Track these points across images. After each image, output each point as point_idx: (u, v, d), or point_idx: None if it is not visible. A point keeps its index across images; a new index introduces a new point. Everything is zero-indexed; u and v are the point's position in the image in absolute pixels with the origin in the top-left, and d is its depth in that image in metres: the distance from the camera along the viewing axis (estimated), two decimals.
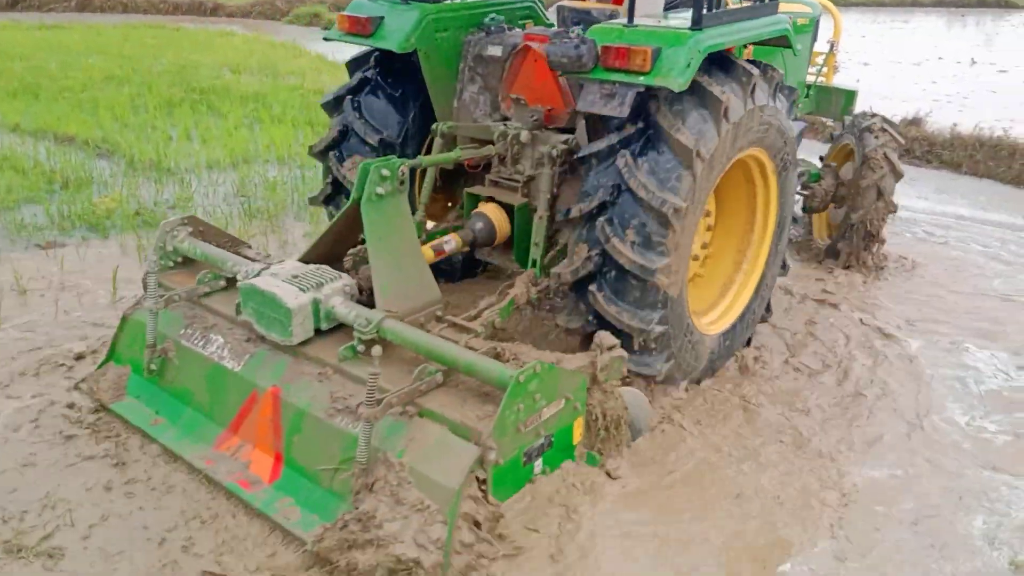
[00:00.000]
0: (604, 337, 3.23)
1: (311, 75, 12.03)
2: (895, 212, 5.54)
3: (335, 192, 4.38)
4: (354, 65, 4.45)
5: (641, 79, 3.30)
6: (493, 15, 4.44)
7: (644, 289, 3.43)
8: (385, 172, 3.33)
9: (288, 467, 3.06)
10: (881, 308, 5.02)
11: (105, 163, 7.13)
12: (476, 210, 4.03)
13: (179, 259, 3.73)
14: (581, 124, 3.93)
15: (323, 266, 3.43)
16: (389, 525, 2.61)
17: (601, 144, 3.49)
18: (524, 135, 3.90)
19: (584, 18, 4.36)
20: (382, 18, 4.08)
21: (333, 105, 4.36)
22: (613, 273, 3.46)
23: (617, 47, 3.34)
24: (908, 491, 3.36)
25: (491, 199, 4.02)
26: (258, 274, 3.33)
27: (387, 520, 2.63)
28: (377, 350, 2.75)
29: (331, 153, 4.30)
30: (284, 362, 3.23)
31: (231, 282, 3.53)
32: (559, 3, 4.62)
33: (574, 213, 3.51)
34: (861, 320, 4.80)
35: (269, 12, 22.41)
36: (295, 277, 3.29)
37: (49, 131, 7.93)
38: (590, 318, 3.57)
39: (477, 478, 2.72)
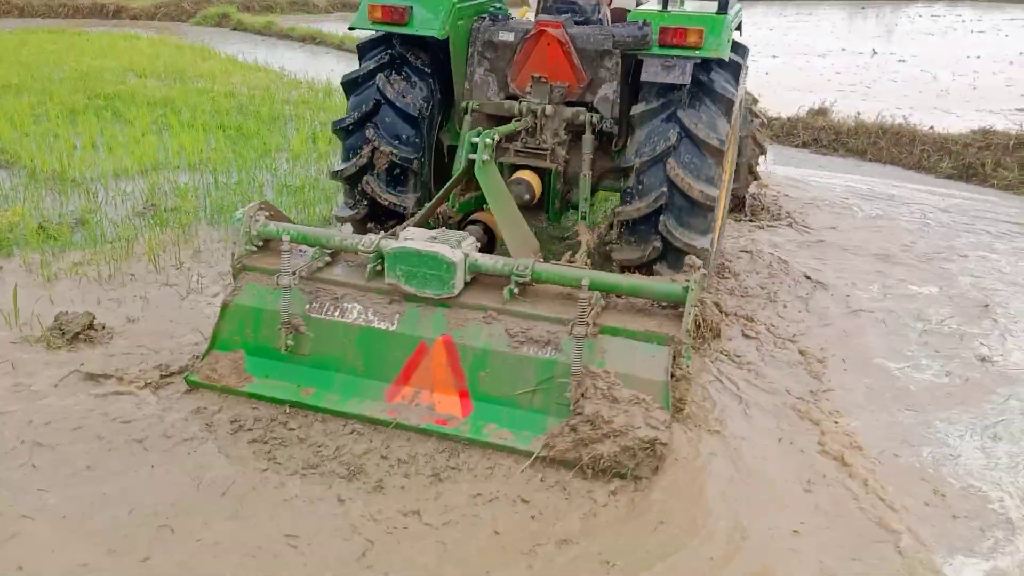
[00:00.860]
0: (692, 259, 3.73)
1: (221, 77, 11.71)
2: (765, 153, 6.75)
3: (373, 211, 4.78)
4: (371, 48, 4.81)
5: (697, 53, 4.18)
6: (499, 5, 5.09)
7: (704, 215, 4.26)
8: (488, 140, 3.93)
9: (478, 400, 3.54)
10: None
11: (4, 175, 6.78)
12: (516, 176, 4.58)
13: (260, 243, 3.96)
14: (601, 95, 4.62)
15: (443, 228, 3.97)
16: (618, 419, 3.30)
17: (654, 103, 4.32)
18: (549, 108, 4.52)
19: (570, 7, 4.88)
20: (411, 7, 4.48)
21: (353, 86, 4.75)
22: (680, 204, 4.25)
23: (675, 28, 4.19)
24: None
25: (524, 167, 4.61)
26: (393, 244, 3.67)
27: (614, 416, 3.30)
28: (585, 283, 3.43)
29: (367, 177, 4.68)
30: (441, 314, 3.65)
31: (334, 256, 3.91)
32: None
33: (645, 158, 4.26)
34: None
35: (175, 14, 21.71)
36: (434, 239, 3.74)
37: None
38: (656, 245, 4.31)
39: (669, 371, 3.44)
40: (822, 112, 9.82)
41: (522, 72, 4.68)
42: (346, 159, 4.76)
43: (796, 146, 9.32)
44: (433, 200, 4.31)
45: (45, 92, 9.98)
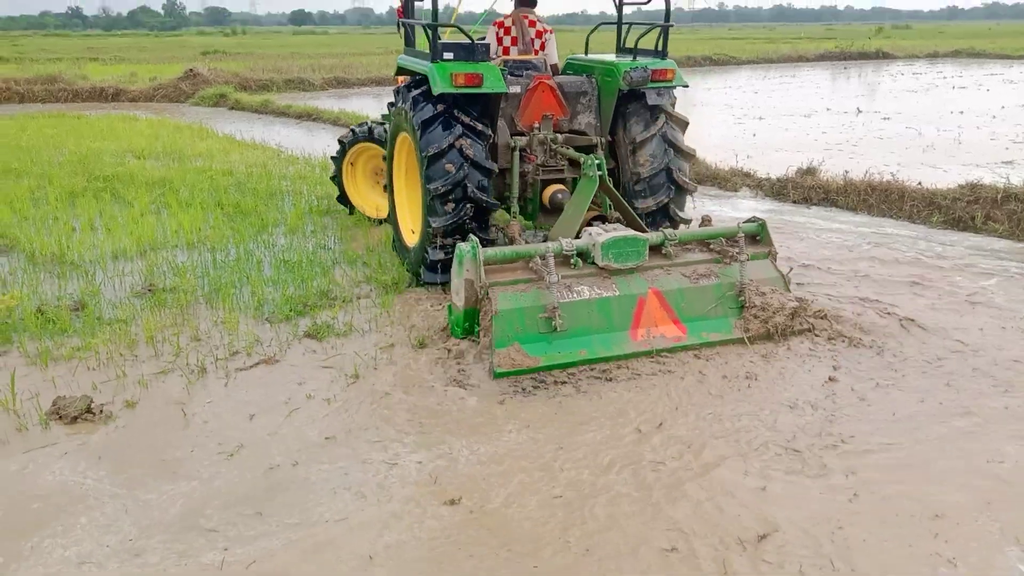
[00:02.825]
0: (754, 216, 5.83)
1: (219, 156, 11.91)
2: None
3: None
4: (428, 99, 5.84)
5: (673, 83, 6.31)
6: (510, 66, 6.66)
7: (684, 194, 6.47)
8: (600, 162, 5.67)
9: (686, 321, 5.17)
10: None
11: (3, 259, 6.84)
12: (556, 188, 6.31)
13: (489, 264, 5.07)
14: (584, 122, 6.54)
15: (604, 222, 5.73)
16: (773, 303, 5.28)
17: (653, 129, 6.29)
18: (560, 138, 6.32)
19: (527, 67, 6.71)
20: (482, 74, 5.69)
21: (430, 118, 5.76)
22: (675, 191, 6.35)
23: (661, 69, 6.23)
24: None
25: (556, 182, 6.37)
26: (602, 238, 5.16)
27: (770, 303, 5.28)
28: (742, 234, 5.48)
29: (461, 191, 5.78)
30: (640, 276, 5.24)
31: (542, 259, 5.03)
32: (502, 58, 6.84)
33: (656, 167, 6.27)
34: None
35: (173, 95, 22.22)
36: (614, 228, 5.39)
37: None
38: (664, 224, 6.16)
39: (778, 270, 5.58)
40: (811, 171, 9.98)
41: (527, 113, 6.36)
42: (444, 214, 5.78)
43: (794, 202, 9.42)
44: (568, 215, 5.75)
45: (45, 176, 10.14)
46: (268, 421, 4.24)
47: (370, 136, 7.98)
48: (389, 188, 6.90)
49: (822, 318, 5.39)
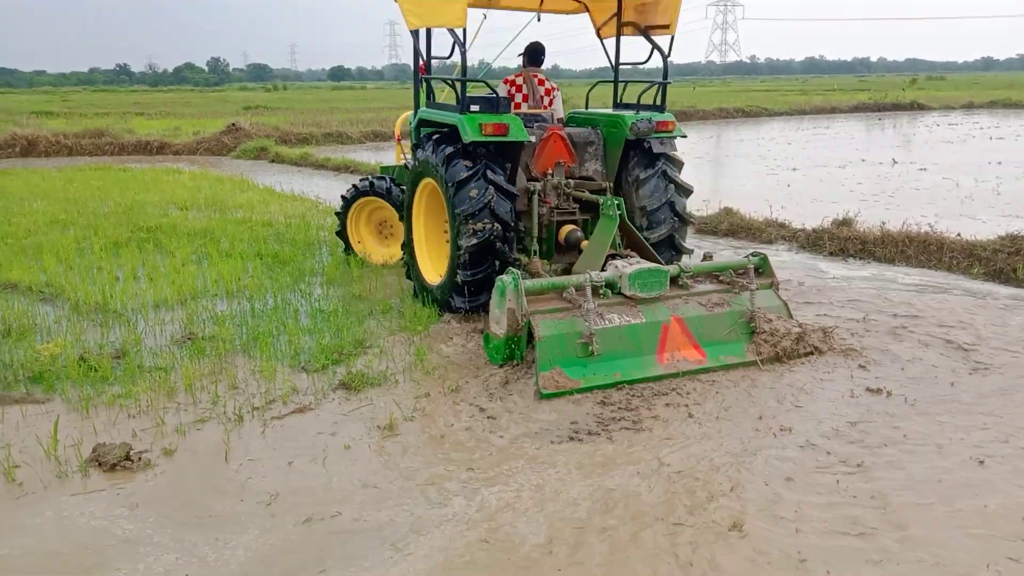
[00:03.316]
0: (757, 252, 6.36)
1: (259, 207, 12.16)
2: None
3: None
4: (454, 151, 6.30)
5: (673, 133, 6.98)
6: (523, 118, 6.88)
7: (686, 225, 7.15)
8: (619, 203, 6.28)
9: (706, 346, 5.64)
10: None
11: (49, 308, 7.00)
12: (570, 228, 6.92)
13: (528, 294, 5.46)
14: (592, 169, 7.24)
15: (627, 258, 6.13)
16: (780, 329, 5.80)
17: (655, 169, 6.92)
18: (572, 183, 6.96)
19: (536, 120, 7.38)
20: (508, 124, 6.20)
21: (464, 179, 6.18)
22: (678, 222, 7.00)
23: (663, 120, 6.87)
24: None
25: (569, 222, 6.96)
26: (628, 269, 5.68)
27: (776, 328, 5.81)
28: (751, 266, 6.07)
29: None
30: (662, 305, 5.72)
31: (580, 292, 5.51)
32: (513, 112, 7.03)
33: (662, 201, 6.92)
34: None
35: (216, 148, 22.81)
36: (637, 261, 5.95)
37: None
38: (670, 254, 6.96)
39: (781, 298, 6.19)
40: (846, 223, 9.91)
41: (540, 160, 6.96)
42: (469, 266, 6.28)
43: (826, 255, 9.34)
44: (591, 251, 6.29)
45: (90, 226, 10.42)
46: (305, 470, 4.26)
47: (371, 190, 8.43)
48: (407, 229, 7.22)
49: (823, 339, 5.98)
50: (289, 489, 4.06)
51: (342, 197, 8.79)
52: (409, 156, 8.44)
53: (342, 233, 8.87)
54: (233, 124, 24.61)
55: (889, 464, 4.29)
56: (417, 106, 7.66)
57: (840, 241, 9.52)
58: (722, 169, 18.39)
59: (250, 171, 18.15)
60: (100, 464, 4.26)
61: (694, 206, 11.72)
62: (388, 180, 8.42)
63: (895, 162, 17.80)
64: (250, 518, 3.80)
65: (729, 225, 10.63)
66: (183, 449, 4.49)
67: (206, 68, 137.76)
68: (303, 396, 5.20)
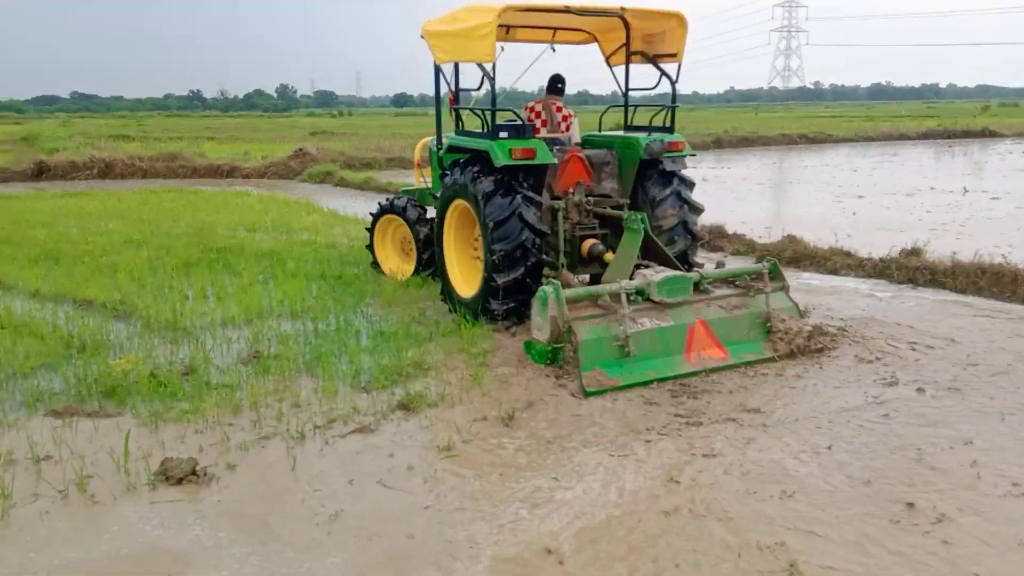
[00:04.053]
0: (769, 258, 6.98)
1: (324, 230, 12.43)
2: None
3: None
4: (483, 171, 6.87)
5: (684, 153, 7.54)
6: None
7: (698, 242, 7.75)
8: (643, 217, 6.75)
9: (728, 345, 6.19)
10: None
11: (122, 325, 7.26)
12: (592, 242, 7.44)
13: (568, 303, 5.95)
14: (608, 187, 7.76)
15: (651, 268, 6.64)
16: (793, 328, 6.39)
17: (669, 188, 7.46)
18: (592, 201, 7.43)
19: (556, 143, 7.83)
20: (536, 148, 6.78)
21: (493, 190, 6.76)
22: (691, 237, 7.58)
23: (674, 141, 7.44)
24: None
25: (590, 236, 7.49)
26: (656, 277, 6.19)
27: (790, 327, 6.37)
28: (767, 271, 6.62)
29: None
30: (687, 307, 6.22)
31: (615, 299, 6.02)
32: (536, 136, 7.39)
33: (677, 218, 7.46)
34: None
35: (283, 172, 23.42)
36: (662, 270, 6.46)
37: (68, 296, 8.14)
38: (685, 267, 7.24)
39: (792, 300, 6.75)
40: (915, 252, 9.66)
41: (562, 180, 7.46)
42: (503, 271, 6.79)
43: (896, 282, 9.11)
44: (618, 263, 6.78)
45: (163, 246, 10.79)
46: (366, 489, 4.31)
47: (391, 208, 9.12)
48: (437, 247, 7.77)
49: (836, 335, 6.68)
50: (350, 507, 4.12)
51: (371, 215, 9.47)
52: (428, 180, 9.14)
53: (371, 247, 9.56)
54: (300, 149, 25.26)
55: None
56: (440, 133, 8.28)
57: (909, 271, 9.27)
58: (785, 196, 18.12)
59: (315, 194, 18.57)
60: (167, 478, 4.38)
61: (756, 233, 11.63)
62: (407, 200, 9.03)
63: (966, 190, 17.28)
64: (311, 535, 3.86)
65: (793, 253, 10.44)
66: (246, 465, 4.60)
67: (275, 95, 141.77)
68: (363, 416, 5.27)
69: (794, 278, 9.07)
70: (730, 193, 18.14)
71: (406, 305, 7.95)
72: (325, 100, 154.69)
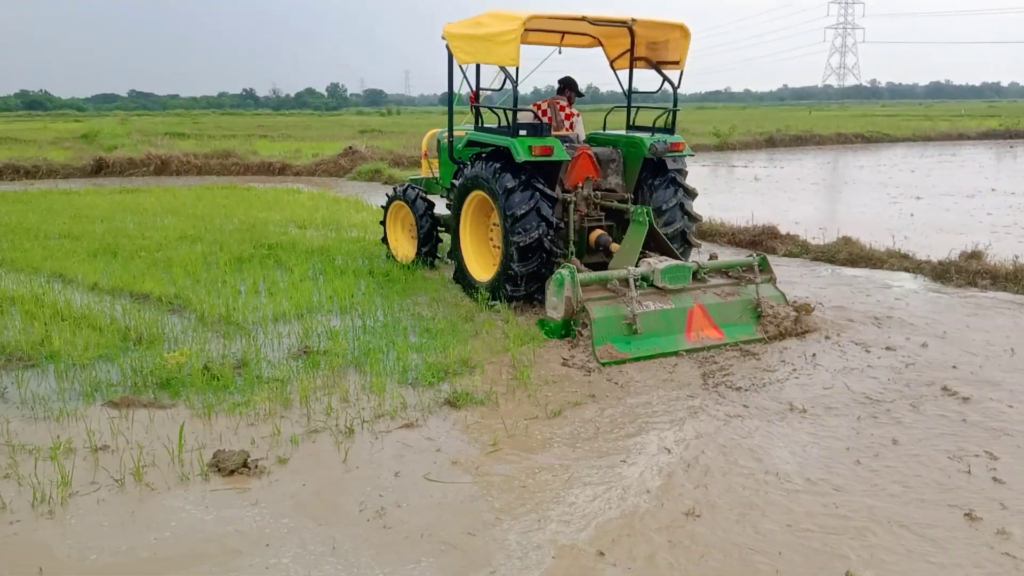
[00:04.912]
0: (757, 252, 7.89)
1: (372, 227, 12.50)
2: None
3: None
4: (503, 166, 7.47)
5: (683, 153, 8.06)
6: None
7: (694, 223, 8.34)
8: (649, 211, 7.36)
9: (723, 327, 6.84)
10: None
11: (177, 319, 7.40)
12: (599, 233, 8.02)
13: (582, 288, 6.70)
14: (613, 183, 8.26)
15: (655, 257, 7.22)
16: (780, 313, 6.99)
17: (675, 196, 8.05)
18: (597, 195, 7.97)
19: (564, 140, 8.07)
20: (553, 146, 7.35)
21: (514, 187, 7.34)
22: (688, 222, 8.15)
23: (675, 141, 7.96)
24: None
25: (597, 227, 8.07)
26: (660, 265, 6.89)
27: (778, 312, 7.00)
28: (756, 264, 7.26)
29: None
30: (687, 293, 6.91)
31: (623, 283, 6.76)
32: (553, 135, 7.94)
33: (677, 224, 8.04)
34: None
35: (333, 170, 23.67)
36: (664, 259, 7.14)
37: (125, 289, 8.33)
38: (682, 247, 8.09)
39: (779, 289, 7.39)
40: (976, 255, 9.38)
41: (571, 176, 7.92)
42: (522, 260, 7.42)
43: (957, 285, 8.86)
44: (624, 253, 7.38)
45: (216, 242, 10.98)
46: (413, 483, 4.34)
47: (399, 196, 9.77)
48: (455, 238, 8.39)
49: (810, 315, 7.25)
50: (398, 500, 4.15)
51: (386, 195, 10.22)
52: (435, 170, 9.87)
53: (384, 226, 10.26)
54: (350, 147, 25.51)
55: None
56: (451, 126, 8.90)
57: (969, 274, 9.00)
58: (840, 196, 17.75)
59: (365, 192, 18.74)
60: (220, 469, 4.46)
61: (810, 234, 11.42)
62: (415, 189, 9.66)
63: None
64: (360, 528, 3.90)
65: (848, 254, 10.23)
66: (297, 458, 4.65)
67: (325, 93, 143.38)
68: (411, 412, 5.30)
69: (846, 284, 8.85)
70: (783, 193, 17.84)
71: (452, 304, 7.97)
72: (374, 99, 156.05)
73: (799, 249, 10.88)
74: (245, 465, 4.49)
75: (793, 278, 9.19)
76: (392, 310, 7.64)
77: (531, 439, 4.90)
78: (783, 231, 11.60)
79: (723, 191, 18.66)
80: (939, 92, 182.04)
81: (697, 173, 23.24)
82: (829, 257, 10.38)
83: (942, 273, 9.20)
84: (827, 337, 6.99)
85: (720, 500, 4.19)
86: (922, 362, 6.33)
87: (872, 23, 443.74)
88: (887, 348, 6.68)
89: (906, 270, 9.60)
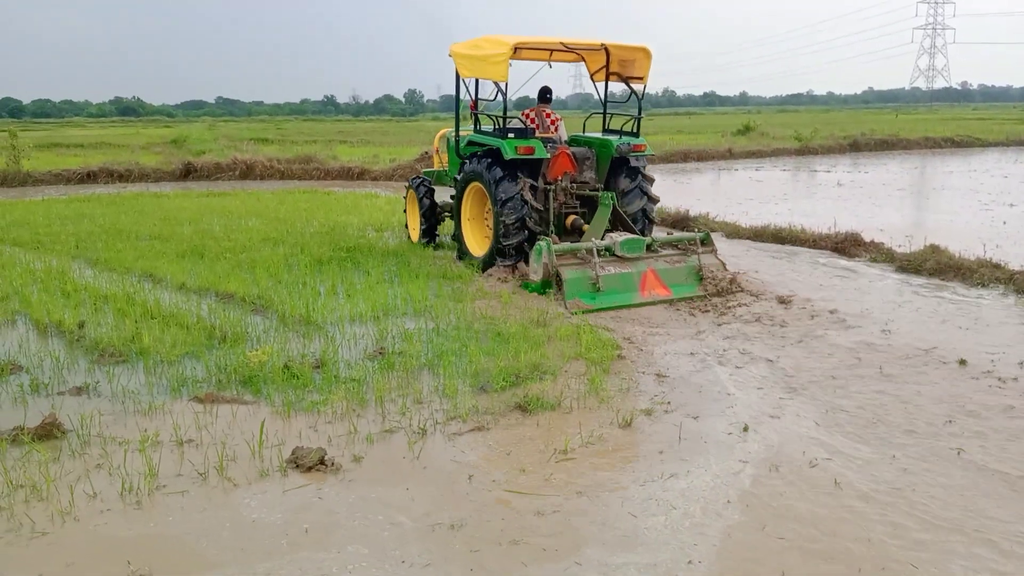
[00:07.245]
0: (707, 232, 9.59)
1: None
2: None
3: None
4: (495, 162, 9.31)
5: (645, 153, 9.87)
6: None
7: (652, 224, 10.14)
8: (613, 196, 9.31)
9: (671, 286, 8.56)
10: None
11: (259, 318, 7.64)
12: (574, 217, 9.72)
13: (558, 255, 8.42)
14: (587, 176, 9.94)
15: (619, 233, 9.07)
16: (718, 276, 8.86)
17: (635, 181, 9.79)
18: (574, 186, 9.70)
19: (547, 141, 9.76)
20: (535, 146, 9.14)
21: (503, 176, 9.19)
22: (647, 221, 9.87)
23: (637, 144, 9.71)
24: None
25: (573, 213, 9.78)
26: (620, 239, 8.62)
27: (716, 275, 8.86)
28: (698, 239, 9.11)
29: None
30: (642, 261, 8.57)
31: (589, 253, 8.40)
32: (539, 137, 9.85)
33: (639, 203, 9.76)
34: None
35: (410, 174, 23.88)
36: (623, 234, 8.85)
37: (211, 289, 8.65)
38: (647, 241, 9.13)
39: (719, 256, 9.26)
40: None
41: (552, 170, 9.48)
42: (509, 236, 9.17)
43: None
44: (593, 227, 9.21)
45: (297, 244, 11.30)
46: (484, 487, 4.38)
47: (414, 187, 11.63)
48: (457, 222, 10.19)
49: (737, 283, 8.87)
50: (471, 503, 4.20)
51: (405, 186, 12.08)
52: (445, 163, 11.81)
53: (405, 210, 12.14)
54: (426, 152, 25.80)
55: None
56: (458, 127, 10.94)
57: None
58: (927, 203, 17.12)
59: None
60: (298, 465, 4.58)
61: (895, 242, 11.07)
62: (425, 181, 11.64)
63: None
64: (434, 531, 3.95)
65: (935, 264, 9.83)
66: (371, 457, 4.75)
67: (403, 99, 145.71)
68: (482, 415, 5.35)
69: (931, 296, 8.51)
70: (868, 199, 17.31)
71: (524, 309, 8.00)
72: (450, 104, 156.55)
73: (884, 257, 10.54)
74: (322, 462, 4.60)
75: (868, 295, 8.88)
76: (464, 314, 7.72)
77: (604, 444, 4.88)
78: (867, 238, 11.25)
79: (804, 196, 18.21)
80: None
81: (777, 178, 22.76)
82: (916, 266, 10.00)
83: None
84: None
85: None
86: None
87: (963, 23, 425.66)
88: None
89: (997, 280, 9.18)
